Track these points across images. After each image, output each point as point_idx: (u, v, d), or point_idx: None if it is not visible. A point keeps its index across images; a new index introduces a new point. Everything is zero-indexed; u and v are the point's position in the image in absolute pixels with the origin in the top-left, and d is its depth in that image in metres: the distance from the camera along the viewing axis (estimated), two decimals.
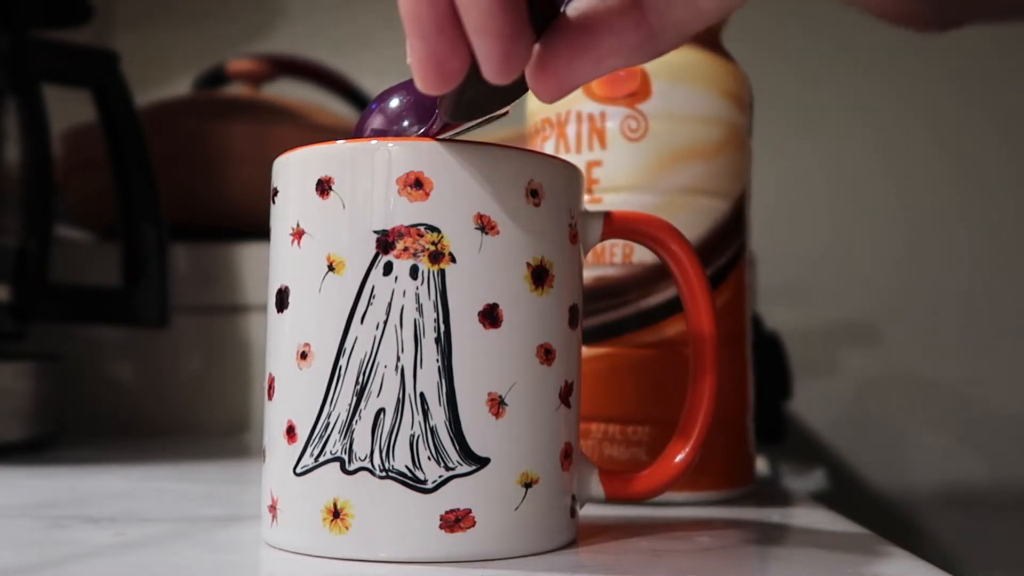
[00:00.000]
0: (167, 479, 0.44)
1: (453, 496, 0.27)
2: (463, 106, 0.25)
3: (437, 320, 0.27)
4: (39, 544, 0.29)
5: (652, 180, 0.38)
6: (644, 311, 0.38)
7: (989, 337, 1.05)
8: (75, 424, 0.62)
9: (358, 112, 0.84)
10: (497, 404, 0.27)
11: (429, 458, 0.26)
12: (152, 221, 0.55)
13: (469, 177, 0.27)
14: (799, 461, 0.86)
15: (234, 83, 0.77)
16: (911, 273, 1.06)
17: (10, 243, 0.52)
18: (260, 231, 0.53)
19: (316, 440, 0.27)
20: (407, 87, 0.29)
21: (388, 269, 0.27)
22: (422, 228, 0.27)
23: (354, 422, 0.27)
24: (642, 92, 0.38)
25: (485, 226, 0.27)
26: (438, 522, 0.26)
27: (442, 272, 0.27)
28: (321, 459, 0.27)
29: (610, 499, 0.31)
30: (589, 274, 0.38)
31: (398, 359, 0.27)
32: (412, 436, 0.26)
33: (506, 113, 0.28)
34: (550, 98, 0.24)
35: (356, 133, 0.30)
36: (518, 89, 0.25)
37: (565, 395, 0.29)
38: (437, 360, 0.27)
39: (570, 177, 0.29)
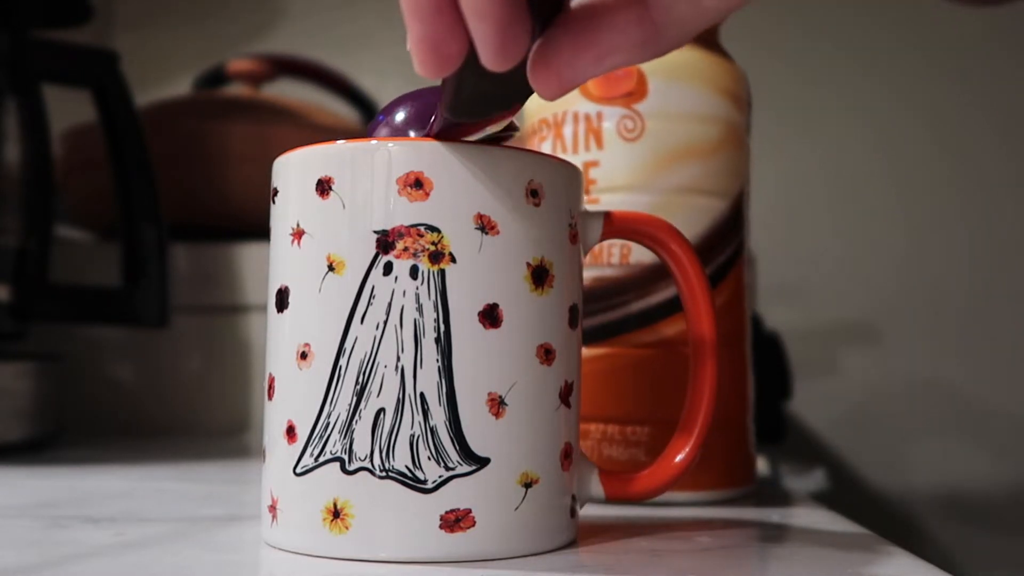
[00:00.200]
0: (167, 479, 0.44)
1: (453, 496, 0.27)
2: (463, 102, 0.25)
3: (437, 320, 0.27)
4: (39, 544, 0.29)
5: (649, 180, 0.38)
6: (644, 311, 0.38)
7: (989, 337, 1.05)
8: (75, 424, 0.62)
9: (358, 112, 0.84)
10: (497, 404, 0.27)
11: (429, 458, 0.26)
12: (152, 221, 0.55)
13: (469, 177, 0.27)
14: (799, 461, 0.86)
15: (234, 83, 0.77)
16: (911, 273, 1.06)
17: (10, 243, 0.52)
18: (260, 231, 0.53)
19: (316, 440, 0.27)
20: (413, 98, 0.29)
21: (388, 269, 0.27)
22: (422, 228, 0.27)
23: (354, 422, 0.27)
24: (638, 92, 0.38)
25: (485, 226, 0.27)
26: (438, 522, 0.26)
27: (442, 272, 0.27)
28: (321, 459, 0.27)
29: (610, 499, 0.31)
30: (589, 274, 0.38)
31: (398, 359, 0.27)
32: (412, 436, 0.26)
33: (511, 134, 0.28)
34: (551, 95, 0.24)
35: None
36: (519, 90, 0.25)
37: (565, 395, 0.29)
38: (437, 360, 0.27)
39: (570, 177, 0.29)
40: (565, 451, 0.29)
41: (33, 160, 0.53)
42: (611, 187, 0.38)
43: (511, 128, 0.28)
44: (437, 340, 0.27)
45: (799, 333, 0.91)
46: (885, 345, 1.06)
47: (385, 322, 0.27)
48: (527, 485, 0.28)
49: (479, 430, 0.27)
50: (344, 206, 0.27)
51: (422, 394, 0.27)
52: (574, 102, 0.39)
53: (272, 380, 0.29)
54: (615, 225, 0.31)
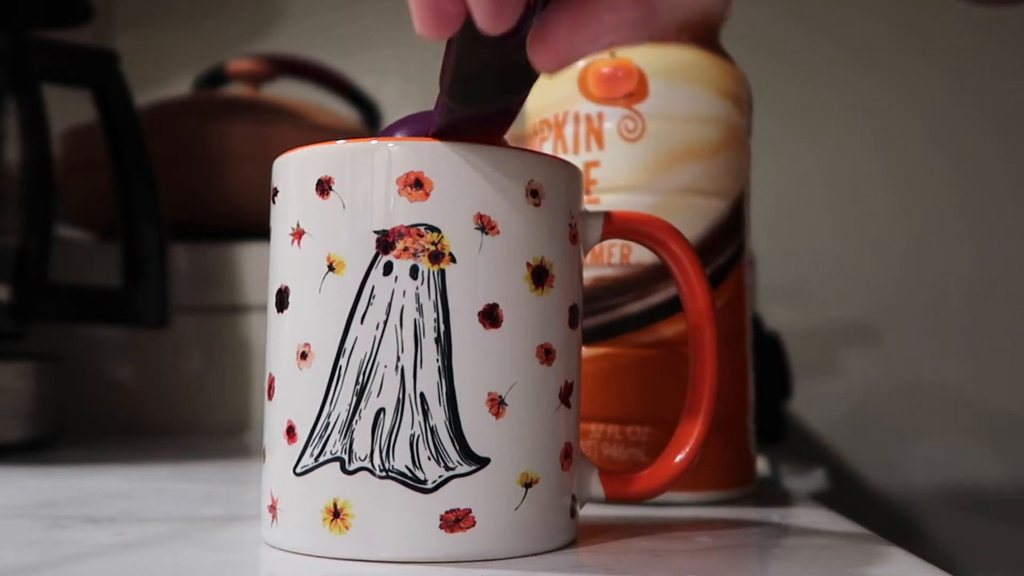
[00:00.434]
0: (167, 479, 0.44)
1: (453, 496, 0.27)
2: (462, 81, 0.25)
3: (437, 320, 0.27)
4: (39, 544, 0.29)
5: (650, 180, 0.38)
6: (644, 311, 0.38)
7: (989, 337, 1.05)
8: (75, 424, 0.62)
9: (358, 112, 0.84)
10: (497, 404, 0.27)
11: (429, 458, 0.26)
12: (152, 221, 0.55)
13: (469, 177, 0.27)
14: (799, 461, 0.86)
15: (234, 83, 0.77)
16: (911, 273, 1.06)
17: (10, 243, 0.52)
18: (260, 231, 0.53)
19: (316, 440, 0.27)
20: (415, 119, 0.29)
21: (388, 269, 0.27)
22: (422, 228, 0.27)
23: (354, 422, 0.27)
24: (639, 92, 0.38)
25: (485, 226, 0.27)
26: (438, 522, 0.26)
27: (442, 272, 0.27)
28: (321, 459, 0.27)
29: (610, 499, 0.31)
30: (589, 274, 0.38)
31: (398, 359, 0.27)
32: (412, 436, 0.26)
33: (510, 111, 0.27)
34: (550, 68, 0.24)
35: None
36: (519, 75, 0.25)
37: (565, 395, 0.29)
38: (437, 360, 0.27)
39: (570, 177, 0.29)
40: (565, 451, 0.29)
41: (33, 160, 0.53)
42: (612, 187, 0.38)
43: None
44: (437, 340, 0.27)
45: (799, 333, 0.91)
46: (885, 345, 1.06)
47: (385, 322, 0.27)
48: (527, 485, 0.28)
49: (479, 430, 0.27)
50: (344, 206, 0.27)
51: (422, 394, 0.27)
52: (575, 103, 0.39)
53: (272, 380, 0.29)
54: (615, 225, 0.31)
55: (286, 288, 0.28)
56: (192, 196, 0.65)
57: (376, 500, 0.26)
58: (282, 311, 0.28)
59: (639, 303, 0.38)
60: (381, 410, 0.27)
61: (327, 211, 0.27)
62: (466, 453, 0.27)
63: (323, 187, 0.28)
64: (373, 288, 0.27)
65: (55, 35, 0.55)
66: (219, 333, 0.65)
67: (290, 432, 0.28)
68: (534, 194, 0.28)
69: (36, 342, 0.59)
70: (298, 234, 0.28)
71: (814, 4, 1.08)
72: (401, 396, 0.26)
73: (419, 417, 0.26)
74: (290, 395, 0.28)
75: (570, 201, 0.29)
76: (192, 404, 0.65)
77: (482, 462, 0.27)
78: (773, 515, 0.37)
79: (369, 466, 0.27)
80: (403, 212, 0.27)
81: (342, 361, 0.27)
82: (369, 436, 0.27)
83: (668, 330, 0.38)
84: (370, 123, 0.83)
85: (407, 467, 0.26)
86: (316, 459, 0.27)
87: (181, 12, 1.10)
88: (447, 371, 0.27)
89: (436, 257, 0.27)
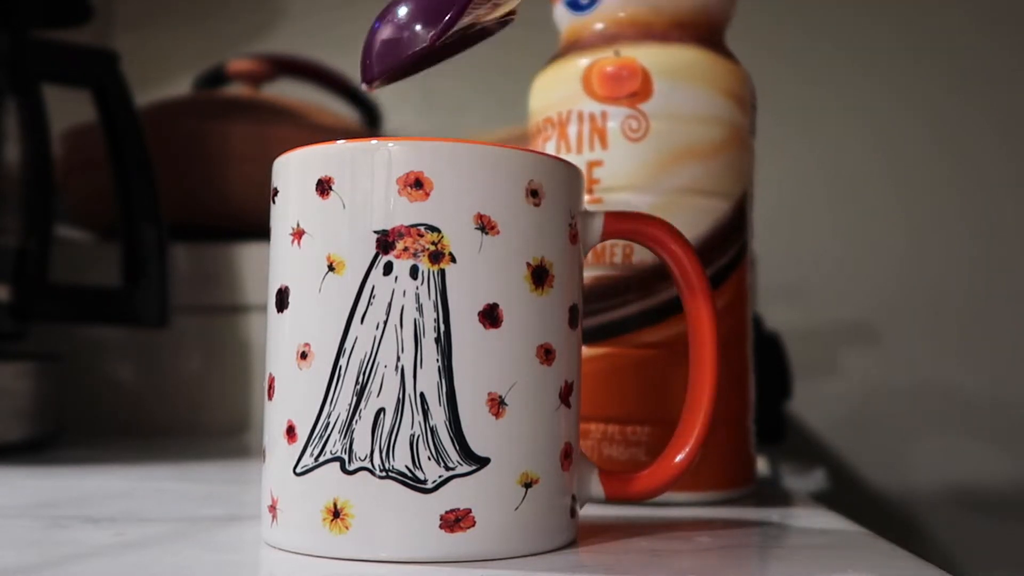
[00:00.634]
0: (167, 479, 0.44)
1: (453, 496, 0.27)
2: None
3: (437, 320, 0.27)
4: (39, 544, 0.29)
5: (653, 180, 0.38)
6: (644, 311, 0.38)
7: (989, 337, 1.05)
8: (75, 424, 0.62)
9: (358, 112, 0.84)
10: (497, 404, 0.27)
11: (429, 458, 0.26)
12: (152, 221, 0.55)
13: (469, 177, 0.27)
14: (799, 461, 0.86)
15: (234, 83, 0.77)
16: (911, 273, 1.06)
17: (10, 243, 0.52)
18: (260, 231, 0.53)
19: (316, 440, 0.27)
20: None
21: (388, 269, 0.27)
22: (422, 228, 0.27)
23: (354, 422, 0.27)
24: (643, 92, 0.38)
25: (485, 226, 0.27)
26: (438, 522, 0.26)
27: (442, 272, 0.27)
28: (321, 459, 0.27)
29: (610, 499, 0.31)
30: (589, 274, 0.38)
31: (398, 359, 0.27)
32: (412, 436, 0.26)
33: (511, 19, 0.27)
34: None
35: (365, 50, 0.28)
36: None
37: (565, 395, 0.29)
38: (437, 360, 0.27)
39: (570, 177, 0.29)
40: (565, 451, 0.29)
41: (33, 160, 0.53)
42: (615, 187, 0.38)
43: (511, 14, 0.27)
44: (437, 340, 0.27)
45: (799, 333, 0.91)
46: (885, 345, 1.06)
47: (385, 322, 0.27)
48: (527, 485, 0.28)
49: (479, 430, 0.27)
50: (344, 206, 0.27)
51: (422, 394, 0.27)
52: (579, 101, 0.39)
53: (272, 380, 0.29)
54: (615, 225, 0.31)
55: (286, 288, 0.28)
56: (192, 196, 0.65)
57: (376, 500, 0.26)
58: (282, 311, 0.28)
59: (640, 303, 0.38)
60: (381, 410, 0.27)
61: (327, 211, 0.27)
62: (466, 453, 0.27)
63: (323, 187, 0.28)
64: (373, 288, 0.27)
65: (55, 35, 0.55)
66: (219, 333, 0.65)
67: (290, 432, 0.28)
68: (534, 194, 0.28)
69: (36, 342, 0.59)
70: (298, 234, 0.28)
71: (815, 4, 1.08)
72: (401, 396, 0.26)
73: (419, 417, 0.26)
74: (290, 395, 0.28)
75: (570, 201, 0.29)
76: (192, 404, 0.65)
77: (482, 462, 0.27)
78: (773, 515, 0.37)
79: (369, 466, 0.26)
80: (403, 212, 0.27)
81: (342, 361, 0.27)
82: (369, 436, 0.26)
83: (668, 330, 0.38)
84: (370, 123, 0.83)
85: (407, 467, 0.26)
86: (316, 459, 0.27)
87: (181, 12, 1.10)
88: (447, 371, 0.27)
89: (436, 257, 0.27)
